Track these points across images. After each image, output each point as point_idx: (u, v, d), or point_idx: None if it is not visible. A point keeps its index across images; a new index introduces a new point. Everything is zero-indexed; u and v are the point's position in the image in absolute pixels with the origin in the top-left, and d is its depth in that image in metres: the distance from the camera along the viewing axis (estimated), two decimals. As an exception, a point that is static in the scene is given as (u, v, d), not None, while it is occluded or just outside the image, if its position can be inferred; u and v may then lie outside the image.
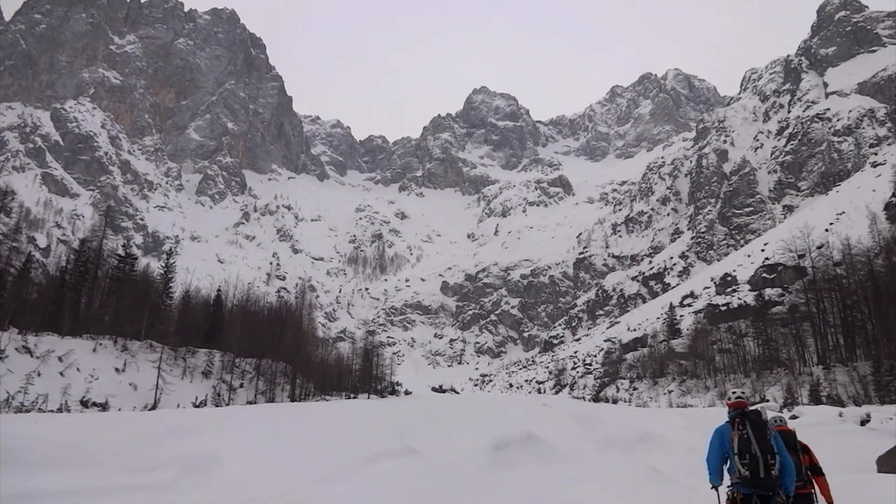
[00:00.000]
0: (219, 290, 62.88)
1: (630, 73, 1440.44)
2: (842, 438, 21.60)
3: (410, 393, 76.25)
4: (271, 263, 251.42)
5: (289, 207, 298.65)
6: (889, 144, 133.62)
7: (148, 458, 13.86)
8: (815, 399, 41.86)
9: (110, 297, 49.77)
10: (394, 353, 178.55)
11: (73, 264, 47.25)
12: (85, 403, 33.33)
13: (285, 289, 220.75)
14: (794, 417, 27.07)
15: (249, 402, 45.14)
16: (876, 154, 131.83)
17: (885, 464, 14.27)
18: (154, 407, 36.19)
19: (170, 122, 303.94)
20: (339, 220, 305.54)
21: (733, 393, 7.85)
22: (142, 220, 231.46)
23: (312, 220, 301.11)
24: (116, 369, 39.16)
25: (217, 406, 40.03)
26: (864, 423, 24.87)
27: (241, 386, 48.63)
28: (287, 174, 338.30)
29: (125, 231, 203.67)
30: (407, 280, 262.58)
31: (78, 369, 36.35)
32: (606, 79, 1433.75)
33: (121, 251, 53.14)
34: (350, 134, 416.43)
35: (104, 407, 33.74)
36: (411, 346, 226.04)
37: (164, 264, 55.43)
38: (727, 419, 7.69)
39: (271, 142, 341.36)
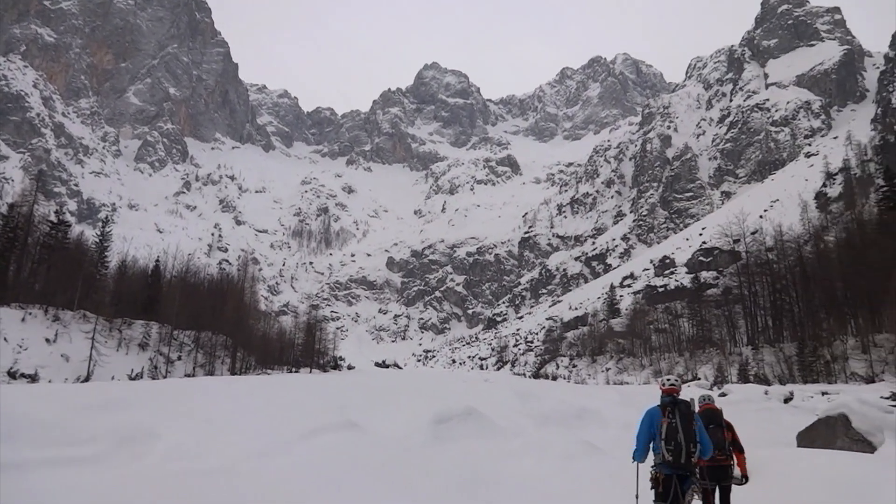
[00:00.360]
0: (157, 261, 61.15)
1: (580, 55, 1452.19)
2: (767, 415, 22.71)
3: (353, 367, 76.11)
4: (213, 235, 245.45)
5: (232, 178, 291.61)
6: (822, 136, 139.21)
7: (80, 431, 13.47)
8: (744, 378, 43.76)
9: (41, 265, 47.78)
10: (337, 328, 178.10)
11: (1, 230, 45.06)
12: (13, 375, 32.11)
13: (227, 261, 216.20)
14: (723, 395, 28.26)
15: (188, 375, 44.31)
16: (810, 145, 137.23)
17: (804, 439, 15.06)
18: (87, 379, 35.14)
19: (108, 84, 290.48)
20: (284, 193, 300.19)
21: (667, 379, 8.16)
22: (76, 185, 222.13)
23: (257, 192, 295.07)
24: (47, 340, 37.78)
25: (154, 379, 39.15)
26: (787, 400, 26.18)
27: (180, 359, 47.65)
28: (231, 143, 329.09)
29: (58, 197, 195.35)
30: (352, 255, 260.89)
31: (5, 339, 34.94)
32: (557, 60, 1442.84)
33: (53, 217, 50.96)
34: (297, 105, 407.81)
35: (34, 378, 32.59)
36: (355, 321, 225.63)
37: (99, 232, 53.47)
38: (659, 403, 7.99)
39: (215, 109, 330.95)
